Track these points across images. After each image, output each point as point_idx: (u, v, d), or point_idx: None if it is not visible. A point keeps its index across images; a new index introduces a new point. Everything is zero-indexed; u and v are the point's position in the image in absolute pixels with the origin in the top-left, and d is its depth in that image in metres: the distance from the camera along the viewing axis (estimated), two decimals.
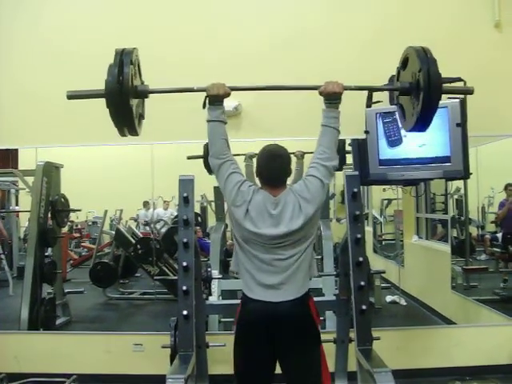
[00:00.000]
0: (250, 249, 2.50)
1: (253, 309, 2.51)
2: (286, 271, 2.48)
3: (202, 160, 4.32)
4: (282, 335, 2.46)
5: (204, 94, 2.59)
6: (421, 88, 2.37)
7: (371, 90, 2.99)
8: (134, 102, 2.50)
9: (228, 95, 2.58)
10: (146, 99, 2.69)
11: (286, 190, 2.55)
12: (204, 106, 2.57)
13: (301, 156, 4.45)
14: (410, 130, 2.59)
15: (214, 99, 2.56)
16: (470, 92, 2.67)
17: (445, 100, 3.77)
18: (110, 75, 2.40)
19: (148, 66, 3.96)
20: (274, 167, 2.55)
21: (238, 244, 2.57)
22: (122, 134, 2.51)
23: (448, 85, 2.87)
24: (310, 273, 2.59)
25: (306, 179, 2.53)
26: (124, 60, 2.41)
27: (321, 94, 2.61)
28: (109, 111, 2.39)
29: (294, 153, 4.22)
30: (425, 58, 2.41)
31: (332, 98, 2.61)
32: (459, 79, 3.84)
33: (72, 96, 2.58)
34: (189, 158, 4.55)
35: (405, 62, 2.59)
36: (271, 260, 2.47)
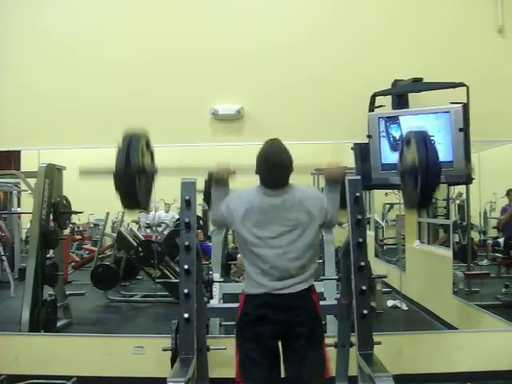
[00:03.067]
0: (253, 249, 2.55)
1: (257, 302, 2.53)
2: (293, 260, 2.53)
3: (202, 159, 4.31)
4: (287, 325, 2.49)
5: None
6: (419, 180, 2.56)
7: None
8: (143, 180, 2.72)
9: (233, 176, 2.77)
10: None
11: (289, 187, 2.61)
12: (208, 183, 2.75)
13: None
14: (411, 209, 2.91)
15: (220, 182, 2.76)
16: (467, 182, 2.93)
17: (447, 105, 3.78)
18: (117, 160, 2.59)
19: (154, 65, 4.01)
20: (274, 170, 2.58)
21: (244, 244, 2.61)
22: (130, 211, 2.82)
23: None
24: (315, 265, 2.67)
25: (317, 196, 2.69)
26: (131, 145, 2.61)
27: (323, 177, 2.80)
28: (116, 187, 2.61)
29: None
30: (424, 148, 2.57)
31: (334, 183, 2.79)
32: (462, 84, 3.85)
33: (84, 173, 2.90)
34: None
35: (408, 142, 2.73)
36: (275, 240, 2.53)
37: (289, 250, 2.53)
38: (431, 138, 2.63)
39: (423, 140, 2.59)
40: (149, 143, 2.85)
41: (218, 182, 2.74)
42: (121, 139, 2.65)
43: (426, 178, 2.51)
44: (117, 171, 2.55)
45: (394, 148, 3.91)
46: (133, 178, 2.57)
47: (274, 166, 2.57)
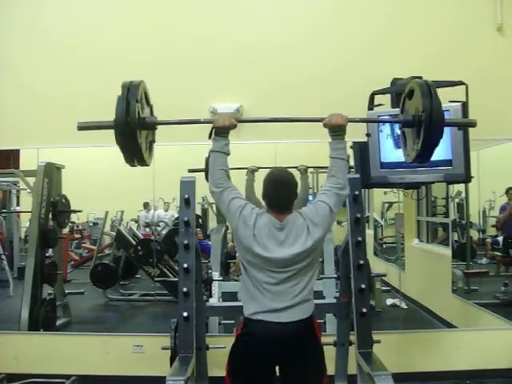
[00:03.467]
0: (256, 274, 2.48)
1: (256, 328, 2.47)
2: (294, 297, 2.45)
3: (202, 160, 4.32)
4: (285, 355, 2.44)
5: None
6: (422, 127, 2.41)
7: (376, 122, 3.10)
8: (143, 133, 2.59)
9: (234, 127, 2.60)
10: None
11: (294, 214, 2.54)
12: (210, 136, 2.60)
13: (304, 171, 4.43)
14: (410, 163, 2.67)
15: (220, 130, 2.58)
16: (472, 125, 2.73)
17: (446, 103, 3.77)
18: (118, 110, 2.43)
19: (154, 66, 4.01)
20: (280, 194, 2.53)
21: (245, 270, 2.54)
22: (132, 165, 2.59)
23: (450, 119, 2.93)
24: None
25: (317, 204, 2.53)
26: (131, 94, 2.46)
27: (325, 126, 2.64)
28: (118, 146, 2.47)
29: (297, 167, 4.21)
30: (428, 96, 2.42)
31: (337, 130, 2.64)
32: (461, 83, 3.85)
33: (82, 127, 2.68)
34: (190, 171, 4.56)
35: (411, 93, 2.61)
36: (279, 286, 2.45)
37: (292, 284, 2.47)
38: (435, 88, 2.51)
39: (428, 88, 2.45)
40: (147, 94, 2.73)
41: (218, 131, 2.60)
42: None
43: (429, 126, 2.37)
44: (117, 121, 2.43)
45: (398, 145, 3.90)
46: (134, 128, 2.43)
47: (281, 184, 2.54)
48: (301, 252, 2.44)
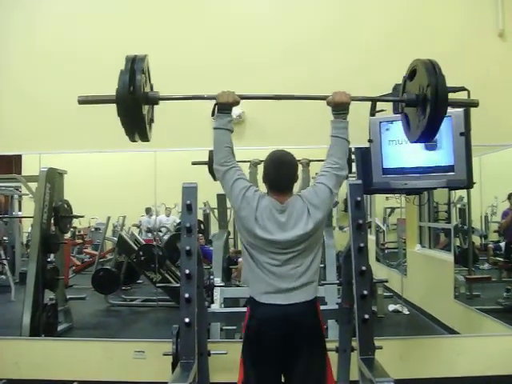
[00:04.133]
0: (259, 257, 2.50)
1: (264, 312, 2.50)
2: (298, 278, 2.49)
3: (205, 167, 4.32)
4: (293, 337, 2.46)
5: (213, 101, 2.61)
6: (428, 102, 2.38)
7: (377, 100, 3.04)
8: (145, 108, 2.53)
9: (237, 103, 2.62)
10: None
11: (294, 197, 2.56)
12: (213, 114, 2.59)
13: (306, 164, 4.45)
14: (415, 142, 2.62)
15: (223, 107, 2.59)
16: (475, 104, 2.68)
17: (448, 109, 3.77)
18: (121, 82, 2.37)
19: (156, 70, 3.95)
20: (281, 174, 2.56)
21: (248, 252, 2.56)
22: (133, 140, 2.55)
23: (453, 97, 2.88)
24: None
25: (316, 186, 2.56)
26: (135, 67, 2.40)
27: (328, 104, 2.66)
28: (120, 118, 2.40)
29: (299, 160, 4.22)
30: (433, 72, 2.41)
31: (340, 109, 2.67)
32: (463, 88, 3.85)
33: (83, 101, 2.61)
34: (193, 163, 4.57)
35: (412, 74, 2.60)
36: (282, 268, 2.48)
37: (295, 266, 2.50)
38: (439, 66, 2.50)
39: (432, 65, 2.44)
40: (149, 71, 2.69)
41: (221, 107, 2.60)
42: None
43: (436, 100, 2.35)
44: (120, 95, 2.37)
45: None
46: (138, 100, 2.38)
47: (280, 165, 2.57)
48: (302, 234, 2.46)
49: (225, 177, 2.54)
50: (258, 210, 2.48)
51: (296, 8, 4.72)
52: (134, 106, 2.36)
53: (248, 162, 4.26)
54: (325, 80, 4.54)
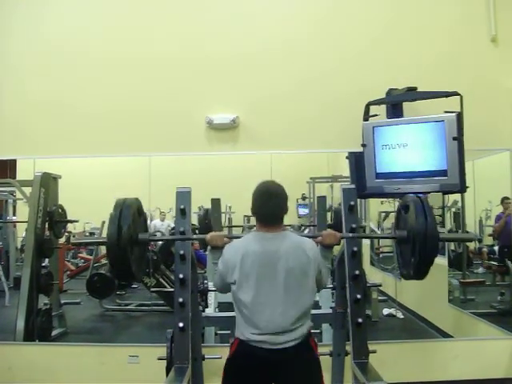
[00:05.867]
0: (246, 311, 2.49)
1: (251, 352, 2.46)
2: (289, 320, 2.46)
3: (201, 172, 4.35)
4: (282, 378, 2.44)
5: None
6: (417, 244, 2.59)
7: (370, 238, 3.44)
8: (136, 249, 2.73)
9: (227, 243, 2.71)
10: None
11: (285, 232, 2.58)
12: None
13: (298, 227, 4.48)
14: (408, 279, 2.86)
15: (214, 248, 2.75)
16: (471, 239, 2.90)
17: (441, 114, 3.80)
18: (110, 226, 2.58)
19: (145, 75, 4.00)
20: (269, 205, 2.54)
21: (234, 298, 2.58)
22: (120, 281, 2.87)
23: (447, 234, 3.16)
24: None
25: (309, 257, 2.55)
26: (123, 218, 2.60)
27: (318, 243, 2.74)
28: (108, 258, 2.68)
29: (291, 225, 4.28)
30: (423, 218, 2.59)
31: (329, 247, 2.77)
32: (456, 93, 3.88)
33: (76, 244, 2.90)
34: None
35: (406, 207, 2.76)
36: (272, 314, 2.45)
37: (287, 307, 2.45)
38: (429, 205, 2.64)
39: (422, 206, 2.62)
40: (141, 209, 2.86)
41: (213, 248, 2.77)
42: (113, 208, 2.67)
43: (424, 246, 2.57)
44: (109, 243, 2.57)
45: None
46: (124, 249, 2.57)
47: (269, 197, 2.55)
48: (296, 265, 2.50)
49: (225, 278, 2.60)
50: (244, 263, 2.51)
51: (290, 16, 4.72)
52: (121, 251, 2.57)
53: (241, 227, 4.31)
54: (320, 86, 4.58)
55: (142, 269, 2.90)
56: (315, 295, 2.66)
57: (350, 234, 3.04)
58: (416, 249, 2.61)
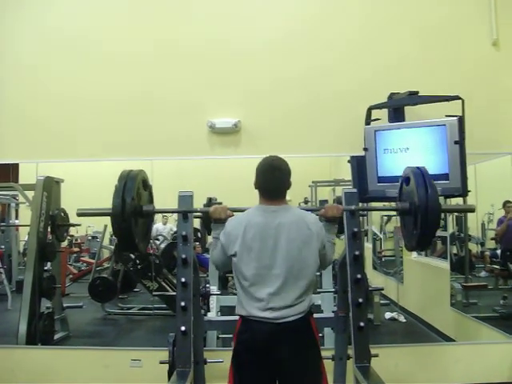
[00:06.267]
0: (248, 286, 2.51)
1: (254, 328, 2.49)
2: (290, 295, 2.48)
3: (202, 175, 4.35)
4: (284, 353, 2.45)
5: None
6: (419, 216, 2.56)
7: (373, 210, 3.43)
8: (140, 221, 2.79)
9: (230, 216, 2.74)
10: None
11: (288, 205, 2.60)
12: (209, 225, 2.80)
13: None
14: (411, 250, 2.80)
15: (217, 221, 2.74)
16: (471, 210, 2.89)
17: (443, 118, 3.81)
18: (115, 198, 2.64)
19: (147, 78, 3.99)
20: (272, 179, 2.57)
21: (235, 273, 2.59)
22: (124, 250, 2.91)
23: (450, 205, 3.16)
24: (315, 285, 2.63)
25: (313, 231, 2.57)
26: (128, 184, 2.66)
27: (321, 216, 2.75)
28: (113, 230, 2.71)
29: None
30: (423, 186, 2.57)
31: (332, 220, 2.76)
32: (457, 97, 3.88)
33: (81, 214, 2.96)
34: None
35: (407, 179, 2.75)
36: (274, 288, 2.47)
37: (288, 280, 2.47)
38: (430, 175, 2.63)
39: (422, 178, 2.60)
40: (146, 181, 2.91)
41: (215, 221, 2.76)
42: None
43: (425, 219, 2.52)
44: (113, 214, 2.61)
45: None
46: (129, 221, 2.61)
47: (272, 170, 2.58)
48: (298, 237, 2.53)
49: (225, 251, 2.62)
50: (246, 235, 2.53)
51: (291, 19, 4.73)
52: (125, 222, 2.63)
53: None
54: (321, 90, 4.58)
55: (146, 240, 2.93)
56: (317, 268, 2.65)
57: (353, 207, 3.04)
58: (418, 221, 2.57)
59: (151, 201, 3.03)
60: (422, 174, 2.63)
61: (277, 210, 2.54)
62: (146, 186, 2.90)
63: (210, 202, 4.78)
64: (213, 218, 2.76)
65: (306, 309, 2.52)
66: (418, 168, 2.70)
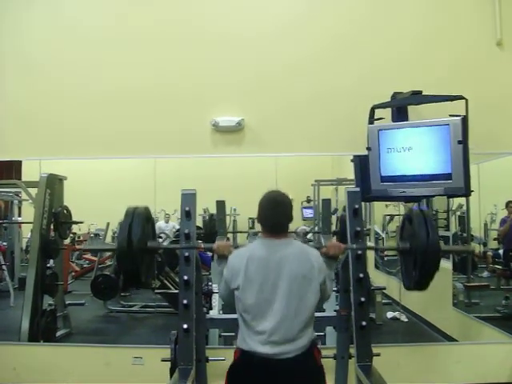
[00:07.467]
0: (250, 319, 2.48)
1: (252, 363, 2.44)
2: (294, 330, 2.44)
3: (207, 171, 4.37)
4: None
5: None
6: (419, 259, 2.68)
7: (373, 249, 3.52)
8: (146, 256, 2.83)
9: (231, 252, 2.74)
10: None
11: (290, 239, 2.59)
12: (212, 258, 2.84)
13: (304, 234, 4.48)
14: (409, 290, 2.96)
15: (221, 257, 2.79)
16: (470, 252, 3.00)
17: (446, 117, 3.80)
18: (120, 235, 2.69)
19: (151, 77, 3.99)
20: (275, 214, 2.54)
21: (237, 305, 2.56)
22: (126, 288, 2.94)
23: (449, 246, 3.25)
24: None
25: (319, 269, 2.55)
26: (134, 221, 2.70)
27: (322, 253, 2.73)
28: (118, 265, 2.77)
29: (295, 232, 4.29)
30: (425, 233, 2.68)
31: (333, 257, 2.80)
32: (461, 97, 3.87)
33: (88, 250, 2.98)
34: None
35: (410, 220, 2.83)
36: (277, 321, 2.43)
37: (288, 316, 2.42)
38: (431, 218, 2.71)
39: (424, 221, 2.69)
40: (149, 216, 2.94)
41: (219, 257, 2.79)
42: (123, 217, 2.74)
43: (425, 261, 2.65)
44: (119, 251, 2.68)
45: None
46: (135, 259, 2.67)
47: (275, 206, 2.55)
48: (301, 271, 2.49)
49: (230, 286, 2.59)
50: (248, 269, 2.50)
51: (297, 20, 4.71)
52: (131, 258, 2.68)
53: (246, 232, 4.33)
54: (325, 89, 4.58)
55: (151, 275, 2.99)
56: (317, 303, 2.60)
57: (354, 246, 3.10)
58: (417, 262, 2.66)
59: (154, 236, 3.02)
60: (424, 218, 2.73)
61: (279, 244, 2.52)
62: (148, 220, 2.92)
63: (211, 218, 4.83)
64: (216, 255, 2.81)
65: (306, 343, 2.46)
66: (420, 210, 2.78)
